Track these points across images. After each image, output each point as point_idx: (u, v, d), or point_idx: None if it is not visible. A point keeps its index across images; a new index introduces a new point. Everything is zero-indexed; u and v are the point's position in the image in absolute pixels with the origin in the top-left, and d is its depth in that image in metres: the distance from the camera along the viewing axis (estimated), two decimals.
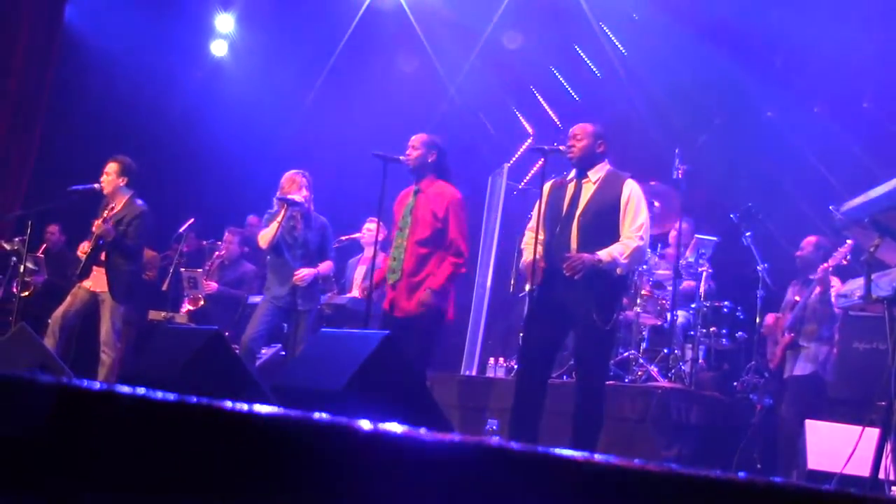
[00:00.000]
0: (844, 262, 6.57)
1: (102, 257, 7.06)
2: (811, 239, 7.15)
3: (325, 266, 7.25)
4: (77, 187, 7.26)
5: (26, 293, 7.93)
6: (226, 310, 8.75)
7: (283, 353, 8.02)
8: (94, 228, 7.03)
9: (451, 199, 6.16)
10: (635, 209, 5.37)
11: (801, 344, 6.86)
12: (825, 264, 6.66)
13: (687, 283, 7.95)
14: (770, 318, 7.16)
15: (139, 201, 7.23)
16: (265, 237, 6.98)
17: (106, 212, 7.11)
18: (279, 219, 6.90)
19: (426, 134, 6.40)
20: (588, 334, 5.31)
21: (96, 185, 7.21)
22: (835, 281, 6.65)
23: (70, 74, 9.96)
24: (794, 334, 6.88)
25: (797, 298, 6.96)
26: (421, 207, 6.19)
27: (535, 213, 5.66)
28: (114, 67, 10.01)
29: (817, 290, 6.75)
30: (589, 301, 5.24)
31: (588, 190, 5.44)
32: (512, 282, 8.48)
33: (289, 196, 6.92)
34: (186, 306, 8.73)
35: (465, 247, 6.17)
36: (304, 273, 6.95)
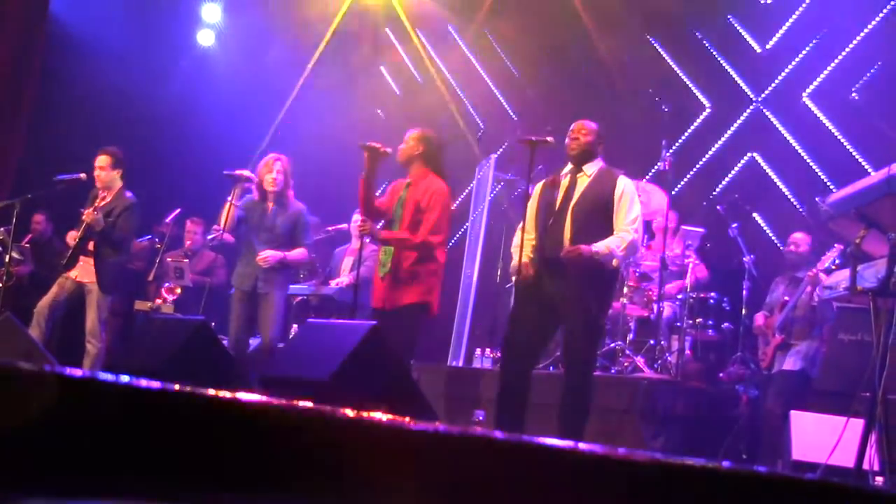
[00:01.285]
0: (834, 268, 6.58)
1: (90, 247, 7.04)
2: (805, 237, 7.13)
3: (296, 253, 6.88)
4: (63, 176, 7.23)
5: (10, 283, 7.86)
6: (199, 300, 8.64)
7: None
8: (84, 217, 6.99)
9: (435, 191, 6.16)
10: (629, 204, 5.45)
11: (791, 343, 6.89)
12: (815, 269, 6.67)
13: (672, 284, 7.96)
14: (759, 318, 7.16)
15: (128, 193, 7.21)
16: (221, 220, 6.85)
17: (98, 201, 7.09)
18: (230, 198, 6.75)
19: (420, 129, 6.39)
20: (576, 326, 5.34)
21: (83, 175, 7.17)
22: (823, 277, 6.66)
23: (56, 64, 9.88)
24: (785, 335, 6.90)
25: (786, 299, 6.96)
26: (411, 200, 6.18)
27: (527, 211, 5.66)
28: (100, 56, 9.94)
29: (808, 290, 6.76)
30: (578, 293, 5.27)
31: (583, 183, 5.50)
32: (499, 272, 8.48)
33: (236, 172, 6.82)
34: (164, 295, 8.56)
35: (433, 239, 6.14)
36: (266, 254, 6.69)
